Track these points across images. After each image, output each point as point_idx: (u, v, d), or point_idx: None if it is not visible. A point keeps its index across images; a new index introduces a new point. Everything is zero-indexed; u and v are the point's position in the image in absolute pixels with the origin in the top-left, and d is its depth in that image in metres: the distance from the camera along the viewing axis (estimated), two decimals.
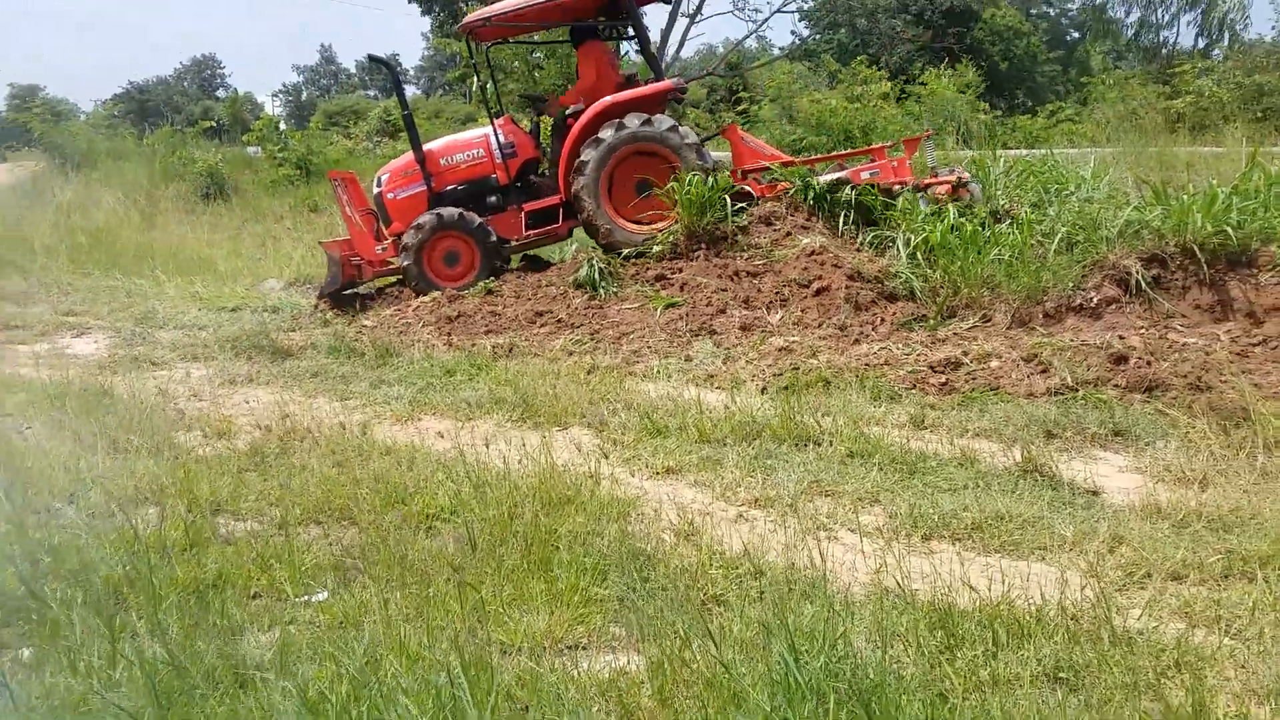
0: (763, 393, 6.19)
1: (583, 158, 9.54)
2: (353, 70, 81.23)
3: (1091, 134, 16.79)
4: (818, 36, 34.66)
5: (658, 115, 9.65)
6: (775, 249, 8.68)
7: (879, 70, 20.60)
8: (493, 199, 10.09)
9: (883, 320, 7.55)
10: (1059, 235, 7.83)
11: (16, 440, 5.59)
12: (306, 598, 3.47)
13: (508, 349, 7.68)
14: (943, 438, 5.19)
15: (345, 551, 3.86)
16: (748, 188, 9.79)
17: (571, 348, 7.59)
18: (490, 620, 3.20)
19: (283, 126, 21.55)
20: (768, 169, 9.99)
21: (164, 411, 6.21)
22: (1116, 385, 5.81)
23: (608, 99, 9.81)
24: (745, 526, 4.22)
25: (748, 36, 28.57)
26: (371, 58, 10.01)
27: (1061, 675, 2.87)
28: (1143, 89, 19.88)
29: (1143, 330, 6.68)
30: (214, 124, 30.21)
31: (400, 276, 10.04)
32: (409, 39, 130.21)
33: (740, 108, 20.96)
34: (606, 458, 5.15)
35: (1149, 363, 5.96)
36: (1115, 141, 15.57)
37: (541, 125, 10.81)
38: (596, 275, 8.81)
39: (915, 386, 6.09)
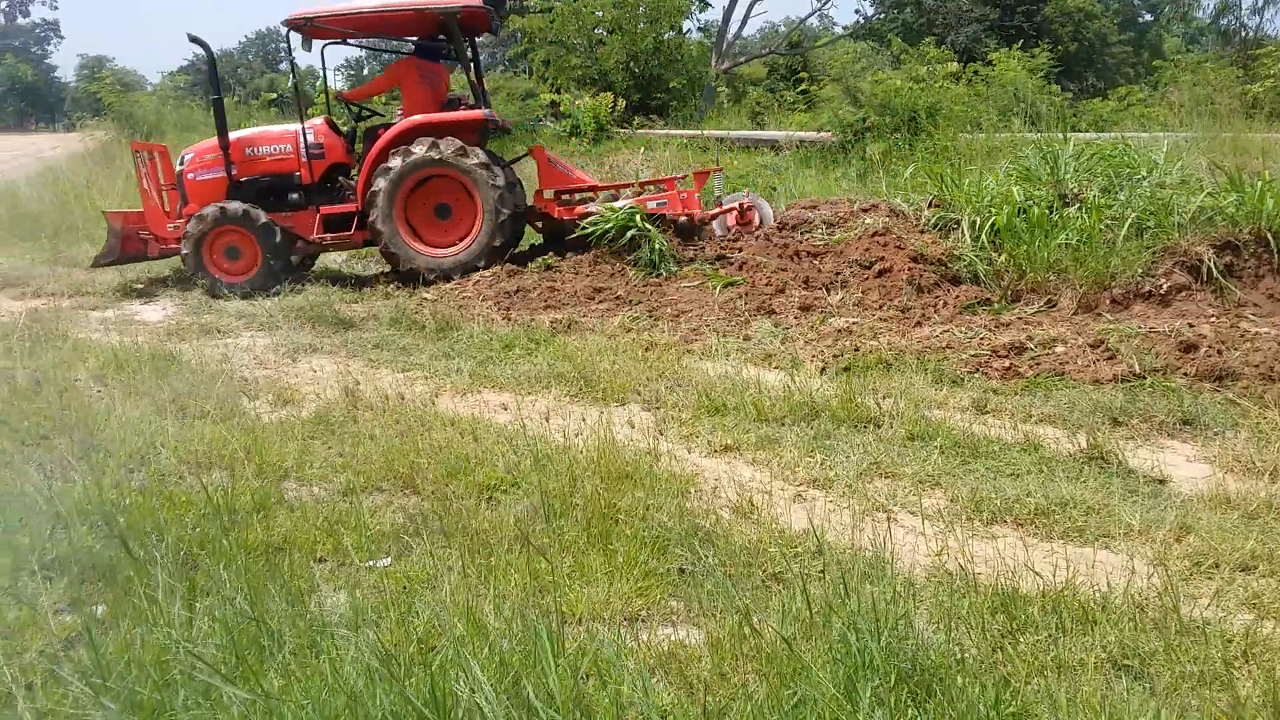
0: (822, 373, 6.16)
1: (374, 187, 9.60)
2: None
3: (1163, 118, 16.39)
4: (882, 15, 34.19)
5: (447, 139, 9.61)
6: (836, 230, 8.63)
7: (946, 50, 20.30)
8: (294, 196, 10.12)
9: (945, 303, 7.47)
10: (1129, 220, 7.70)
11: (90, 403, 5.73)
12: (372, 563, 3.53)
13: (566, 324, 7.71)
14: (1006, 423, 5.14)
15: (409, 519, 3.91)
16: (550, 211, 10.17)
17: (629, 324, 7.60)
18: (550, 590, 3.24)
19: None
20: (573, 192, 10.32)
21: (230, 378, 6.32)
22: (1185, 374, 5.71)
23: (412, 120, 9.90)
24: (804, 506, 4.21)
25: (811, 15, 28.27)
26: (190, 37, 10.05)
27: (1127, 663, 2.83)
28: (1218, 73, 19.35)
29: (1213, 318, 6.55)
30: (277, 96, 30.54)
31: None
32: None
33: (801, 87, 20.77)
34: (664, 434, 5.17)
35: (1219, 351, 5.84)
36: (1188, 126, 15.21)
37: (358, 130, 10.76)
38: (655, 253, 8.81)
39: (978, 370, 6.03)
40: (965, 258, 7.99)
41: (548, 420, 5.38)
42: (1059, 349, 6.20)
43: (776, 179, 13.79)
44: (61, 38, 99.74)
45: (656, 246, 8.84)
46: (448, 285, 9.37)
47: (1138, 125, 15.50)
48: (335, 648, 2.58)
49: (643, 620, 3.18)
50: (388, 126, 10.12)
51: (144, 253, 10.39)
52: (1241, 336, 6.09)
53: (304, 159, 10.08)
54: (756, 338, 7.05)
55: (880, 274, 7.89)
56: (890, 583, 3.16)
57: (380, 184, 9.53)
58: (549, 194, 10.35)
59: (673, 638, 3.03)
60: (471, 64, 10.57)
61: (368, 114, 10.98)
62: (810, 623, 2.87)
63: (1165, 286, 7.03)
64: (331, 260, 11.80)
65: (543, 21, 23.49)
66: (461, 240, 9.73)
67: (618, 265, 8.99)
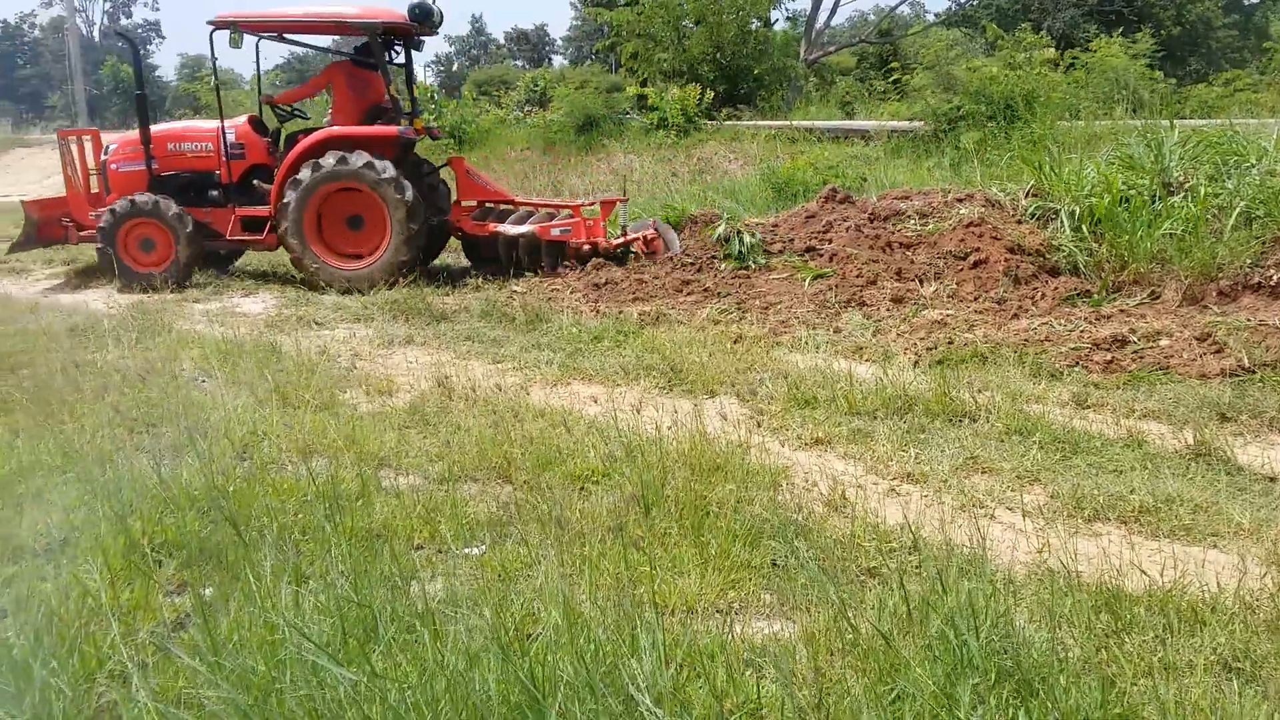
0: (915, 366, 6.07)
1: (285, 199, 9.62)
2: (501, 41, 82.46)
3: (1272, 103, 15.77)
4: (976, 1, 33.49)
5: (357, 153, 9.59)
6: (929, 220, 8.49)
7: (1043, 36, 19.80)
8: (214, 194, 10.23)
9: (1044, 295, 7.30)
10: (1237, 209, 7.43)
11: (196, 393, 5.92)
12: (468, 550, 3.58)
13: (654, 317, 7.72)
14: (1108, 418, 5.00)
15: (502, 508, 3.96)
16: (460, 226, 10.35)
17: (718, 317, 7.58)
18: (644, 581, 3.25)
19: (436, 96, 22.01)
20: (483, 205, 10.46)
21: (328, 369, 6.47)
22: None
23: (329, 131, 9.94)
24: (898, 501, 4.15)
25: (902, 2, 27.80)
26: (117, 32, 10.35)
27: (1238, 665, 2.74)
28: None
29: None
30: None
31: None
32: (558, 8, 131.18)
33: (892, 77, 20.46)
34: (758, 426, 5.14)
35: None
36: None
37: (283, 132, 10.78)
38: (744, 245, 8.77)
39: (1078, 364, 5.88)
40: (1064, 248, 7.80)
41: (638, 412, 5.39)
42: (1163, 342, 6.01)
43: (867, 169, 13.61)
44: (163, 38, 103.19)
45: (745, 239, 8.80)
46: (536, 278, 9.45)
47: (1245, 111, 14.92)
48: (437, 632, 2.62)
49: (736, 612, 3.17)
50: (310, 132, 10.25)
51: (65, 239, 10.69)
52: None
53: (224, 158, 10.27)
54: (847, 330, 6.97)
55: (975, 265, 7.74)
56: (989, 579, 3.10)
57: (290, 195, 9.64)
58: (470, 206, 10.58)
59: (766, 631, 3.01)
60: (402, 72, 10.81)
61: (296, 116, 11.08)
62: (907, 619, 2.83)
63: (1276, 278, 6.76)
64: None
65: (630, 14, 23.51)
66: (373, 253, 9.80)
67: (706, 257, 8.97)
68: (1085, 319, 6.65)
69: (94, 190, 10.72)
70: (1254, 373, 5.48)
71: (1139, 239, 7.50)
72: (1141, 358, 5.87)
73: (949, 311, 7.08)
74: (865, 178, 12.73)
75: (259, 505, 3.90)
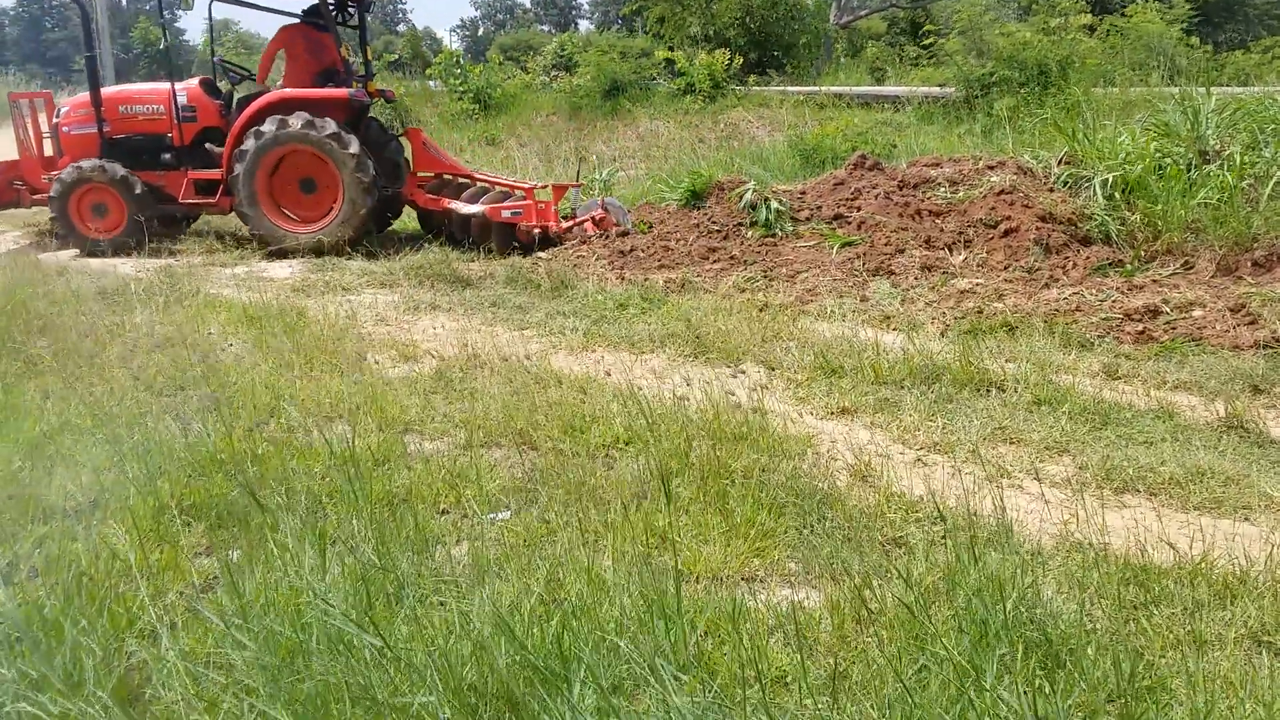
0: (943, 335, 6.02)
1: (243, 145, 9.57)
2: (528, 5, 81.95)
3: None
4: None
5: (325, 119, 9.56)
6: (960, 188, 8.39)
7: (1078, 1, 19.45)
8: (166, 157, 10.16)
9: (1075, 264, 7.21)
10: (1274, 179, 7.29)
11: (222, 356, 5.95)
12: (493, 516, 3.59)
13: (680, 284, 7.68)
14: (1138, 389, 4.94)
15: (527, 475, 3.97)
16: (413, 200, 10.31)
17: (744, 285, 7.54)
18: (668, 549, 3.24)
19: (462, 61, 21.91)
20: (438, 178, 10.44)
21: (354, 334, 6.49)
22: None
23: (279, 93, 9.86)
24: (924, 470, 4.13)
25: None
26: None
27: (1268, 639, 2.71)
28: None
29: None
30: (396, 58, 31.01)
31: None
32: None
33: (925, 41, 20.18)
34: (780, 395, 5.12)
35: None
36: None
37: (235, 95, 10.69)
38: (771, 212, 8.70)
39: (1109, 334, 5.81)
40: (1097, 217, 7.69)
41: (662, 380, 5.37)
42: (1196, 313, 5.93)
43: (897, 136, 13.45)
44: (190, 8, 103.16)
45: (773, 206, 8.73)
46: (561, 245, 9.42)
47: None
48: (462, 597, 2.63)
49: (760, 581, 3.16)
50: (258, 94, 10.20)
51: (18, 201, 10.63)
52: None
53: (176, 120, 10.21)
54: (874, 299, 6.91)
55: (1006, 234, 7.65)
56: (1016, 550, 3.07)
57: (250, 144, 9.61)
58: (426, 178, 10.55)
59: (791, 599, 3.00)
60: (356, 34, 10.74)
61: (246, 77, 11.03)
62: (934, 589, 2.81)
63: None
64: None
65: None
66: (328, 213, 9.80)
67: (732, 224, 8.90)
68: (1117, 289, 6.56)
69: (48, 154, 10.68)
70: None
71: (1173, 208, 7.39)
72: (1174, 328, 5.80)
73: (978, 280, 7.01)
74: (895, 144, 12.58)
75: (284, 469, 3.92)
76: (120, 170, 9.83)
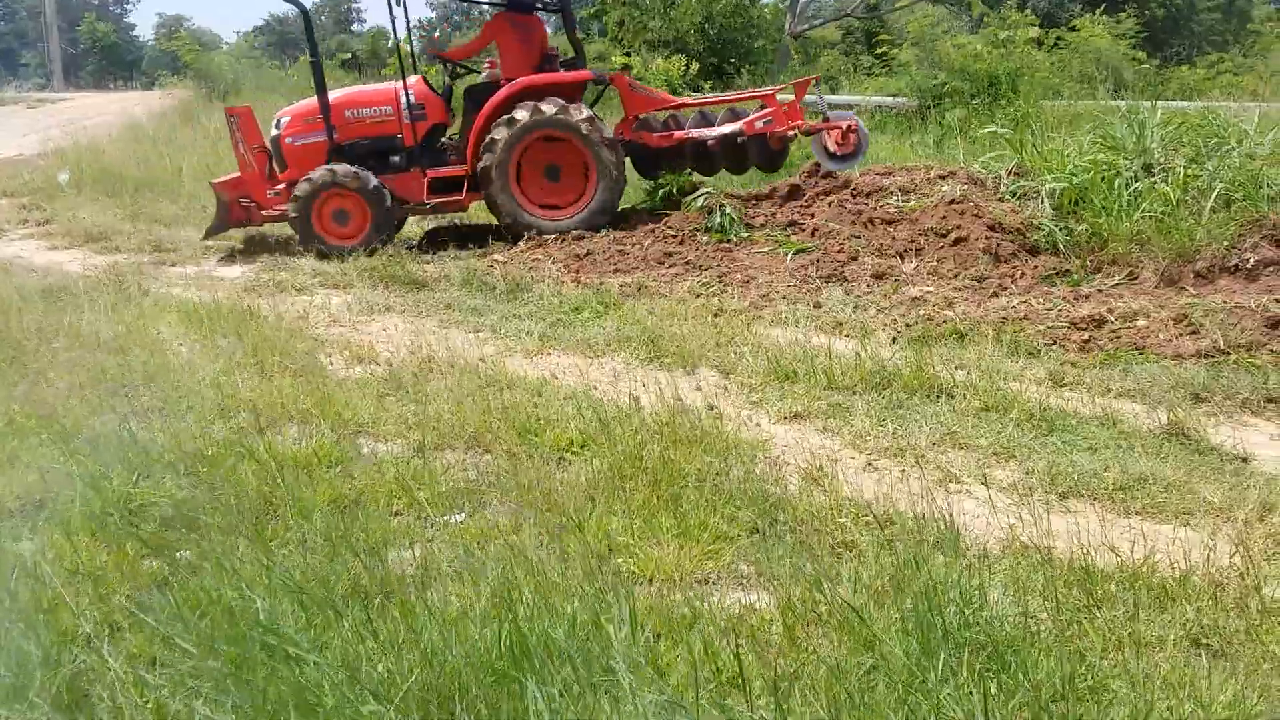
0: (894, 342, 6.08)
1: (494, 135, 9.41)
2: (485, 7, 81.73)
3: (1254, 87, 15.83)
4: None
5: (576, 104, 9.49)
6: (911, 197, 8.50)
7: (1028, 15, 19.77)
8: (396, 159, 9.87)
9: (1023, 273, 7.32)
10: (1216, 191, 7.46)
11: (170, 357, 5.87)
12: (445, 518, 3.58)
13: (635, 288, 7.69)
14: (1083, 396, 5.04)
15: (481, 477, 3.96)
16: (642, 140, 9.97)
17: (699, 290, 7.57)
18: (621, 551, 3.26)
19: (417, 61, 21.78)
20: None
21: (306, 335, 6.43)
22: (1272, 350, 5.54)
23: (527, 79, 9.66)
24: (875, 475, 4.18)
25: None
26: None
27: (1206, 642, 2.79)
28: None
29: None
30: (351, 56, 30.78)
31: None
32: None
33: (879, 50, 20.40)
34: (733, 400, 5.15)
35: None
36: (1279, 96, 14.67)
37: (455, 90, 10.55)
38: (726, 218, 8.76)
39: (1055, 343, 5.91)
40: (1044, 227, 7.82)
41: (616, 384, 5.39)
42: (1140, 322, 6.05)
43: None
44: None
45: (727, 212, 8.78)
46: (517, 248, 9.38)
47: (1226, 94, 14.98)
48: (411, 601, 2.62)
49: (713, 583, 3.19)
50: (487, 85, 10.04)
51: (246, 220, 10.10)
52: None
53: (406, 120, 9.84)
54: (827, 305, 6.97)
55: (956, 242, 7.75)
56: (963, 554, 3.12)
57: (501, 133, 9.39)
58: (647, 119, 10.18)
59: (743, 601, 3.03)
60: (567, 20, 10.40)
61: (463, 71, 10.81)
62: (882, 591, 2.85)
63: (1252, 260, 6.80)
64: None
65: None
66: (577, 200, 9.65)
67: (688, 229, 8.94)
68: (1064, 298, 6.68)
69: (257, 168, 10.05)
70: (1228, 354, 5.52)
71: (1118, 219, 7.53)
72: (1118, 337, 5.91)
73: (929, 288, 7.10)
74: None
75: (234, 471, 3.88)
76: (373, 179, 9.44)
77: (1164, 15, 36.17)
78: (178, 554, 3.28)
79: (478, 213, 10.66)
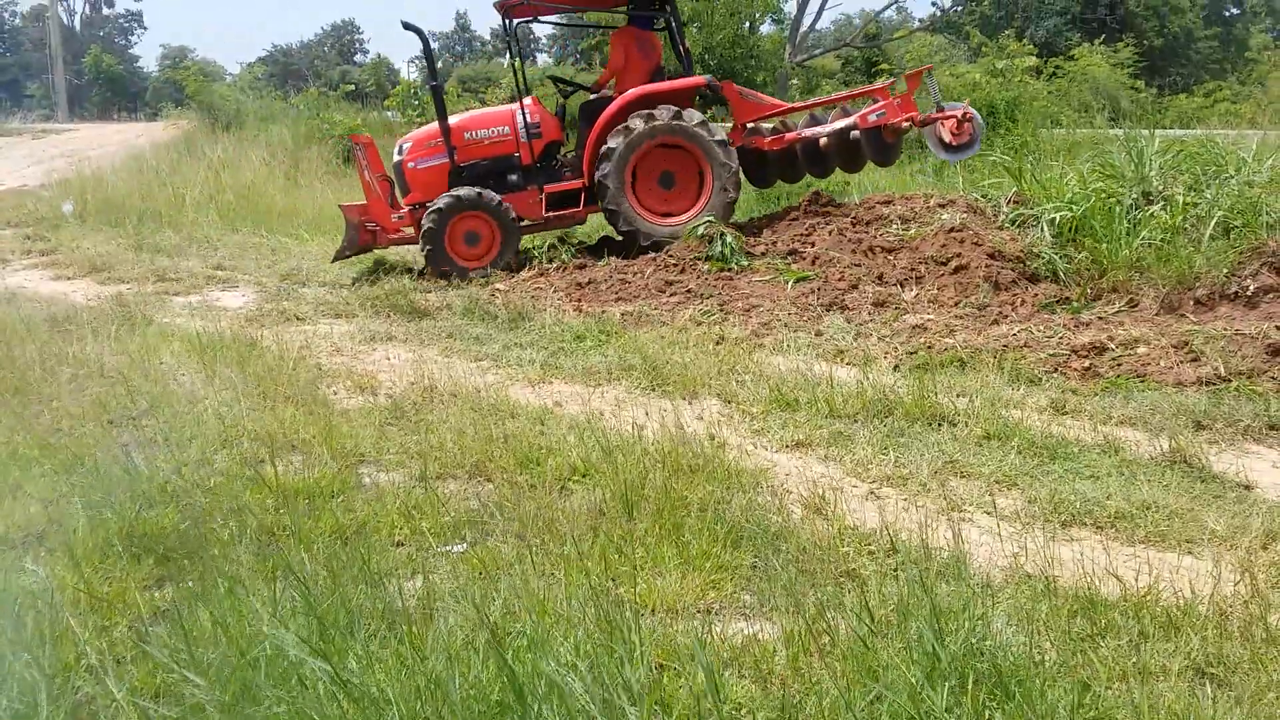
0: (895, 370, 6.10)
1: (610, 145, 9.52)
2: (487, 37, 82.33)
3: (1251, 114, 15.94)
4: (960, 8, 33.65)
5: (688, 110, 9.61)
6: (911, 225, 8.53)
7: (1025, 44, 19.93)
8: (514, 178, 10.01)
9: (1023, 301, 7.35)
10: (1215, 219, 7.50)
11: (173, 387, 5.88)
12: (448, 548, 3.58)
13: (637, 317, 7.72)
14: (1085, 424, 5.04)
15: (483, 506, 3.96)
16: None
17: (700, 318, 7.59)
18: (624, 581, 3.25)
19: (420, 92, 21.95)
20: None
21: (309, 365, 6.45)
22: (1273, 377, 5.55)
23: (639, 89, 9.78)
24: (877, 503, 4.18)
25: (887, 7, 27.70)
26: (405, 25, 9.94)
27: (1211, 670, 2.77)
28: None
29: None
30: (354, 87, 31.01)
31: (420, 246, 9.79)
32: None
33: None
34: (743, 426, 5.16)
35: None
36: (1278, 124, 14.77)
37: (567, 107, 10.74)
38: (727, 246, 8.79)
39: (1056, 370, 5.92)
40: (1044, 255, 7.85)
41: (619, 412, 5.40)
42: (1140, 350, 6.06)
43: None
44: (145, 28, 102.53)
45: (729, 240, 8.82)
46: (519, 276, 9.40)
47: (1224, 122, 15.09)
48: (414, 632, 2.62)
49: (716, 613, 3.18)
50: (600, 100, 10.14)
51: (372, 244, 10.33)
52: None
53: (524, 139, 10.02)
54: (828, 333, 6.99)
55: (956, 270, 7.78)
56: (967, 583, 3.12)
57: (617, 142, 9.47)
58: (757, 126, 10.23)
59: (746, 632, 3.03)
60: (673, 29, 10.42)
61: (573, 90, 10.95)
62: (886, 621, 2.85)
63: (1252, 288, 6.82)
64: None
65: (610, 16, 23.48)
66: (692, 206, 9.72)
67: (689, 258, 8.98)
68: (1064, 326, 6.69)
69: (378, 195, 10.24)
70: (1229, 381, 5.53)
71: (1118, 247, 7.57)
72: (1119, 365, 5.92)
73: (929, 316, 7.12)
74: (849, 181, 12.77)
75: (237, 501, 3.88)
76: (496, 198, 9.60)
77: (1161, 44, 36.50)
78: (181, 584, 3.27)
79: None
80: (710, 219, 9.37)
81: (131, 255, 11.65)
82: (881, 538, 3.62)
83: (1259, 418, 5.00)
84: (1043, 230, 8.11)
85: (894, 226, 8.68)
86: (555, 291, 8.72)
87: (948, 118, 9.42)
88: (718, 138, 9.59)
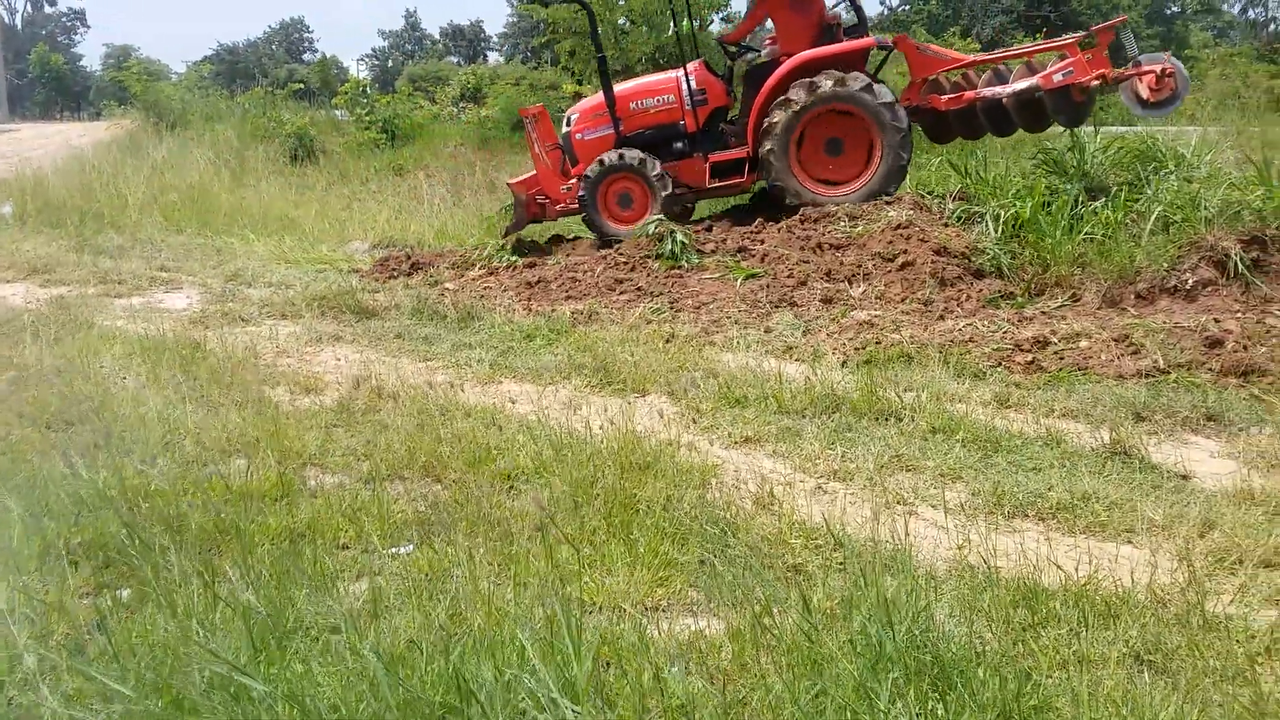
0: (843, 366, 6.14)
1: (772, 119, 9.36)
2: (437, 37, 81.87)
3: (1191, 112, 16.23)
4: (907, 6, 34.01)
5: (853, 74, 9.31)
6: (859, 223, 8.60)
7: (971, 42, 20.17)
8: (679, 145, 9.94)
9: (968, 297, 7.43)
10: (1155, 214, 7.64)
11: (114, 390, 5.78)
12: (394, 550, 3.55)
13: (587, 315, 7.70)
14: (1028, 417, 5.11)
15: (431, 507, 3.93)
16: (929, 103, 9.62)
17: (650, 316, 7.59)
18: (572, 579, 3.25)
19: (369, 91, 21.76)
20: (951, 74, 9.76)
21: (254, 366, 6.36)
22: (1210, 369, 5.67)
23: (804, 55, 9.49)
24: (825, 498, 4.21)
25: (836, 5, 27.84)
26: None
27: (1149, 658, 2.82)
28: (1247, 66, 19.13)
29: (1239, 314, 6.48)
30: (302, 85, 30.66)
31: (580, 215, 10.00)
32: (493, 4, 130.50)
33: None
34: (693, 423, 5.17)
35: (1245, 347, 5.79)
36: (1216, 120, 15.07)
37: (734, 71, 10.56)
38: (677, 244, 8.80)
39: (1000, 364, 6.00)
40: (989, 251, 7.94)
41: (569, 411, 5.38)
42: (1082, 344, 6.15)
43: None
44: (88, 26, 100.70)
45: (679, 238, 8.83)
46: (468, 276, 9.36)
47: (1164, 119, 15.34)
48: (356, 635, 2.59)
49: (663, 610, 3.19)
50: (767, 64, 9.92)
51: (542, 216, 10.39)
52: (1268, 332, 6.03)
53: (688, 106, 9.89)
54: (778, 330, 7.03)
55: (903, 267, 7.85)
56: (911, 575, 3.15)
57: (779, 116, 9.30)
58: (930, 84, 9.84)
59: (693, 627, 3.03)
60: None
61: (742, 52, 10.69)
62: (831, 614, 2.86)
63: (1191, 281, 6.96)
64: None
65: (568, 11, 23.39)
66: (862, 173, 9.48)
67: (639, 256, 8.98)
68: (1008, 320, 6.78)
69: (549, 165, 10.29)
70: (1168, 373, 5.63)
71: (1060, 242, 7.68)
72: (1061, 358, 6.01)
73: (877, 312, 7.18)
74: None
75: (177, 506, 3.82)
76: (657, 166, 9.60)
77: None
78: (117, 591, 3.22)
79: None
80: (660, 218, 9.36)
81: (73, 257, 11.41)
82: (828, 532, 3.64)
83: (1197, 409, 5.10)
84: (988, 226, 8.21)
85: (842, 224, 8.73)
86: (505, 290, 8.69)
87: (1146, 73, 8.87)
88: (884, 100, 9.24)
